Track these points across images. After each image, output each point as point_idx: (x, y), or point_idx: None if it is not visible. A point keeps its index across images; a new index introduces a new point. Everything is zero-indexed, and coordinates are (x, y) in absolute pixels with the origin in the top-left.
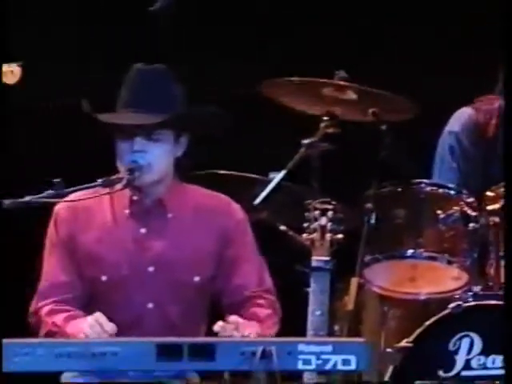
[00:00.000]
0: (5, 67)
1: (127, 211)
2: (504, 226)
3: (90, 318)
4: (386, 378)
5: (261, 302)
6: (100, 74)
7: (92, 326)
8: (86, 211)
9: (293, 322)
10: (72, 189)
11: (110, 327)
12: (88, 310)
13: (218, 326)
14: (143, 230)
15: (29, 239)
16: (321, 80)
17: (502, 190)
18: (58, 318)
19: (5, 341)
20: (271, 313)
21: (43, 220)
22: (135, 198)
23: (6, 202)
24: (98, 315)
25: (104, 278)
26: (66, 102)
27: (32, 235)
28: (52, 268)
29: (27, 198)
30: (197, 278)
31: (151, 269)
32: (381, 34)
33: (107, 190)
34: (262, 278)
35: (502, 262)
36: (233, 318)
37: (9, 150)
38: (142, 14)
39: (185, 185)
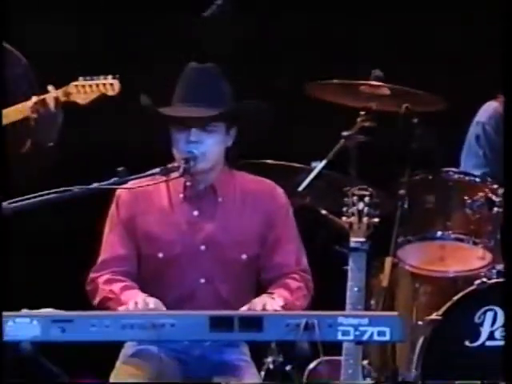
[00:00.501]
0: (103, 80)
1: (182, 196)
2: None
3: (141, 296)
4: (417, 349)
5: (295, 276)
6: (157, 72)
7: (140, 303)
8: (145, 196)
9: (333, 298)
10: (134, 176)
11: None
12: (145, 284)
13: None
14: (196, 213)
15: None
16: (358, 82)
17: None
18: (115, 287)
19: (75, 313)
20: (303, 286)
21: (100, 204)
22: (189, 183)
23: (76, 188)
24: (149, 298)
25: (160, 255)
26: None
27: (92, 217)
28: (112, 243)
29: (95, 185)
30: (244, 256)
31: (203, 248)
32: (411, 35)
33: (164, 177)
34: (299, 259)
35: None
36: (261, 300)
37: (76, 142)
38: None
39: (233, 171)
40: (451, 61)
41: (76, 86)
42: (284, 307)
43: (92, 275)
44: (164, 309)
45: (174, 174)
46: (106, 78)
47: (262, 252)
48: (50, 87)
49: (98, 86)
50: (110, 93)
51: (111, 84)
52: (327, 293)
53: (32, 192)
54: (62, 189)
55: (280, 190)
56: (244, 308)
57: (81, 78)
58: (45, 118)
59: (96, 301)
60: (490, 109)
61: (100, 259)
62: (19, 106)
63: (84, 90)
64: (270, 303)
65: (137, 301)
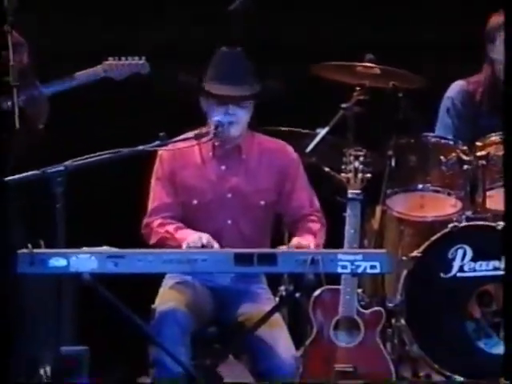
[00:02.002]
0: (134, 61)
1: (211, 154)
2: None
3: (197, 233)
4: (402, 279)
5: (313, 218)
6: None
7: (203, 238)
8: (182, 154)
9: (334, 238)
10: (172, 140)
11: (207, 242)
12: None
13: (294, 243)
14: (223, 167)
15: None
16: (354, 63)
17: (488, 140)
18: (170, 228)
19: (125, 250)
20: (321, 227)
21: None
22: (217, 144)
23: (125, 150)
24: (202, 234)
25: (195, 201)
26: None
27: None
28: (158, 193)
29: (141, 147)
30: (262, 202)
31: (229, 195)
32: (400, 24)
33: (196, 140)
34: (312, 201)
35: (488, 193)
36: (302, 243)
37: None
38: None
39: (254, 133)
40: (430, 48)
41: (110, 64)
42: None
43: (146, 220)
44: (216, 245)
45: (205, 139)
46: (134, 59)
47: (279, 199)
48: None
49: (130, 65)
50: (143, 71)
51: (142, 64)
52: (329, 234)
53: (24, 165)
54: (114, 150)
55: (290, 148)
56: (283, 247)
57: (110, 58)
58: (38, 101)
59: (153, 241)
60: (457, 86)
61: (150, 207)
62: None
63: (117, 68)
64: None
65: (200, 236)
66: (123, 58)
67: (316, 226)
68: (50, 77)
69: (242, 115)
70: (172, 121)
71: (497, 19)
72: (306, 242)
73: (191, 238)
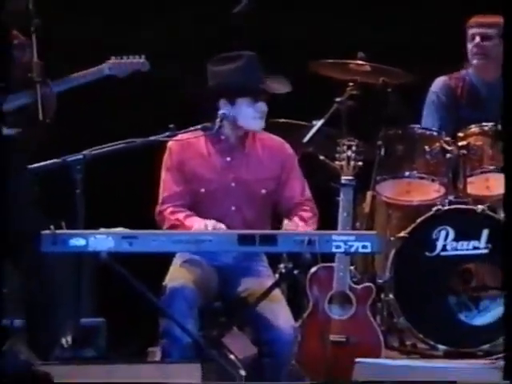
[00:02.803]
0: (135, 59)
1: (217, 146)
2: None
3: (205, 222)
4: (390, 258)
5: (305, 207)
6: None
7: (209, 225)
8: (190, 146)
9: (328, 221)
10: (181, 131)
11: (214, 227)
12: (193, 212)
13: (284, 226)
14: (228, 159)
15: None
16: (347, 61)
17: (469, 131)
18: (180, 216)
19: (139, 231)
20: (312, 215)
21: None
22: (223, 137)
23: (138, 140)
24: (208, 221)
25: (202, 190)
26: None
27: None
28: (169, 183)
29: (152, 138)
30: (263, 191)
31: (233, 184)
32: (389, 23)
33: (202, 132)
34: (304, 191)
35: (468, 180)
36: (290, 225)
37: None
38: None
39: None
40: (417, 47)
41: (113, 62)
42: None
43: (159, 208)
44: (224, 227)
45: (211, 131)
46: (134, 57)
47: (277, 188)
48: None
49: (131, 63)
50: (143, 69)
51: (143, 63)
52: (324, 217)
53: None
54: (128, 140)
55: (287, 144)
56: (285, 227)
57: (113, 57)
58: (49, 97)
59: (165, 227)
60: (440, 81)
61: (162, 196)
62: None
63: (120, 66)
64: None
65: (206, 224)
66: (125, 57)
67: (307, 215)
68: (57, 75)
69: (265, 109)
70: (174, 116)
71: (476, 20)
72: (294, 225)
73: (197, 225)
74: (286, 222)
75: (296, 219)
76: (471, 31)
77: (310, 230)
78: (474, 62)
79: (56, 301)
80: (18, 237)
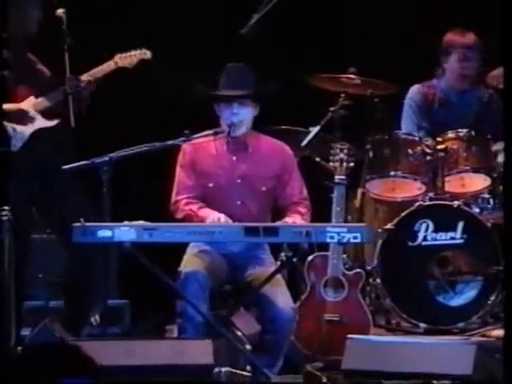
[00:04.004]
0: (138, 51)
1: (225, 147)
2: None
3: (217, 214)
4: (378, 247)
5: (301, 204)
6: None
7: (222, 218)
8: (202, 147)
9: (324, 214)
10: (194, 136)
11: (224, 221)
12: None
13: (281, 221)
14: (234, 158)
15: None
16: (340, 75)
17: (446, 136)
18: (194, 207)
19: (158, 224)
20: (307, 211)
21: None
22: (229, 139)
23: (156, 144)
24: (223, 215)
25: (211, 184)
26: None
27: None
28: (183, 178)
29: (170, 142)
30: (264, 188)
31: (239, 181)
32: (376, 40)
33: (213, 136)
34: (301, 190)
35: (446, 179)
36: (288, 219)
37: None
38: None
39: (259, 134)
40: (400, 60)
41: (120, 56)
42: None
43: (174, 199)
44: (230, 220)
45: (221, 135)
46: (136, 50)
47: (277, 186)
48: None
49: (135, 55)
50: (145, 57)
51: (145, 52)
52: (320, 211)
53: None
54: (149, 144)
55: (287, 146)
56: (279, 223)
57: (118, 54)
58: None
59: (179, 216)
60: (415, 89)
61: (177, 188)
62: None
63: (126, 59)
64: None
65: (219, 216)
66: (128, 52)
67: (304, 210)
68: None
69: (245, 113)
70: (187, 121)
71: (453, 37)
72: (293, 220)
73: (211, 218)
74: (286, 219)
75: (294, 215)
76: (451, 50)
77: (306, 223)
78: (453, 78)
79: (86, 285)
80: (64, 225)
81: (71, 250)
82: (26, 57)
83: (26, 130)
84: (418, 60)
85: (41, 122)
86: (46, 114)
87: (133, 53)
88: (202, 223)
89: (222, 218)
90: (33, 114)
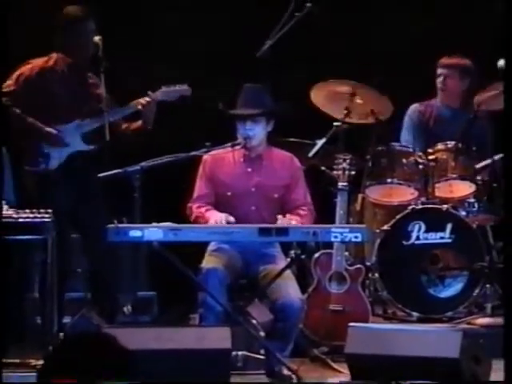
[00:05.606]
0: (181, 87)
1: (242, 159)
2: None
3: (220, 215)
4: (376, 245)
5: (304, 208)
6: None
7: (223, 218)
8: (220, 159)
9: (328, 217)
10: (214, 148)
11: (227, 220)
12: (221, 210)
13: (281, 220)
14: (249, 169)
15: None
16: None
17: (436, 148)
18: (203, 210)
19: (182, 225)
20: (307, 214)
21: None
22: (246, 152)
23: (181, 155)
24: (224, 215)
25: (229, 193)
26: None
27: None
28: (200, 187)
29: (193, 153)
30: (276, 195)
31: (253, 189)
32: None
33: (231, 149)
34: (305, 196)
35: (436, 185)
36: (285, 220)
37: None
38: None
39: (272, 147)
40: (400, 77)
41: (163, 91)
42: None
43: (189, 205)
44: (233, 219)
45: (238, 147)
46: (179, 85)
47: (285, 193)
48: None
49: (177, 90)
50: (186, 94)
51: (186, 89)
52: (325, 214)
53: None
54: (175, 155)
55: (296, 159)
56: (279, 222)
57: (163, 87)
58: (151, 109)
59: (192, 218)
60: (414, 107)
61: (194, 196)
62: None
63: (169, 93)
64: (289, 222)
65: (221, 217)
66: (171, 86)
67: (303, 213)
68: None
69: (258, 129)
70: (209, 134)
71: (442, 61)
72: (288, 220)
73: (214, 218)
74: (283, 220)
75: (293, 217)
76: (438, 71)
77: (306, 224)
78: (439, 94)
79: (120, 279)
80: (92, 228)
81: (103, 249)
82: (87, 78)
83: (65, 150)
84: (418, 80)
85: (78, 145)
86: (87, 136)
87: (176, 87)
88: (221, 225)
89: (223, 217)
90: (69, 140)
